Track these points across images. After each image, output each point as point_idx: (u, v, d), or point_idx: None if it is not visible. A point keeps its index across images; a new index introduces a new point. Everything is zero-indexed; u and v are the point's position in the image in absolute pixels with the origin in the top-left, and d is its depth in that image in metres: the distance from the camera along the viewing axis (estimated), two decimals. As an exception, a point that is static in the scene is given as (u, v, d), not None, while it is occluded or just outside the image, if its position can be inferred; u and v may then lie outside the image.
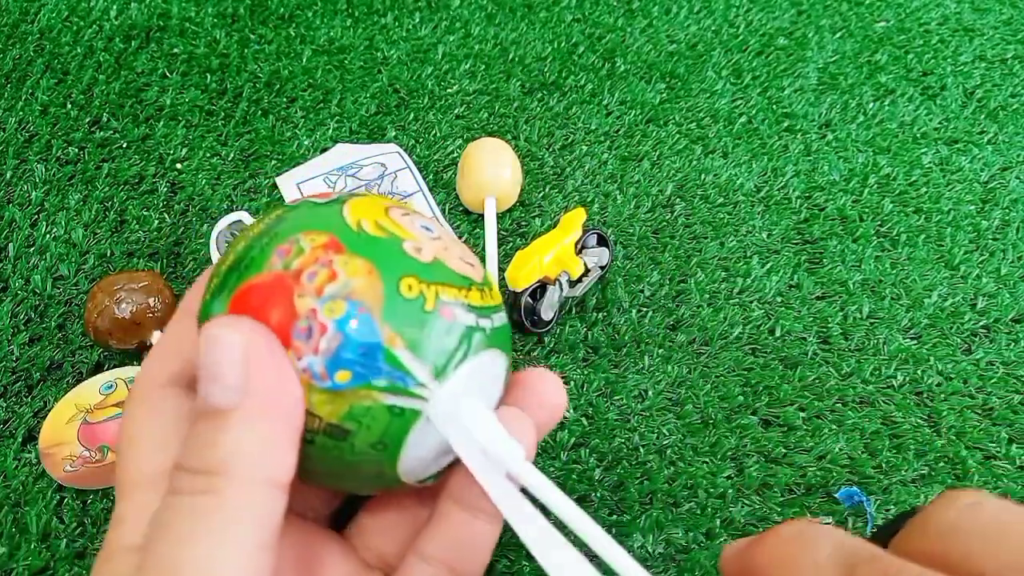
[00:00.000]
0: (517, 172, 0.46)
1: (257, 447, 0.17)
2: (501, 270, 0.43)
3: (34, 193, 0.47)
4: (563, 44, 0.57)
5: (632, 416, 0.39)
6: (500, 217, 0.46)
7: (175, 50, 0.55)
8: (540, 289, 0.40)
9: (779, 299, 0.43)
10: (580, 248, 0.43)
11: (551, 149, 0.50)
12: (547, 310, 0.40)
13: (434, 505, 0.23)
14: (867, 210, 0.48)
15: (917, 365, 0.41)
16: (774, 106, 0.54)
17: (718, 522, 0.35)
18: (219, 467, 0.17)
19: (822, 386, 0.40)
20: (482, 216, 0.45)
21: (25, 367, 0.39)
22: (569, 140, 0.51)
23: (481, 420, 0.20)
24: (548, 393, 0.22)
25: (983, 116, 0.54)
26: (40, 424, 0.37)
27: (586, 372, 0.40)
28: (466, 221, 0.47)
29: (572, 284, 0.42)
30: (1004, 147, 0.52)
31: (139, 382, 0.21)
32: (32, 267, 0.43)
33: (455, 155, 0.50)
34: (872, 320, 0.43)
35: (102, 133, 0.50)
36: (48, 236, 0.45)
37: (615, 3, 0.61)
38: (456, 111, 0.52)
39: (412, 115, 0.52)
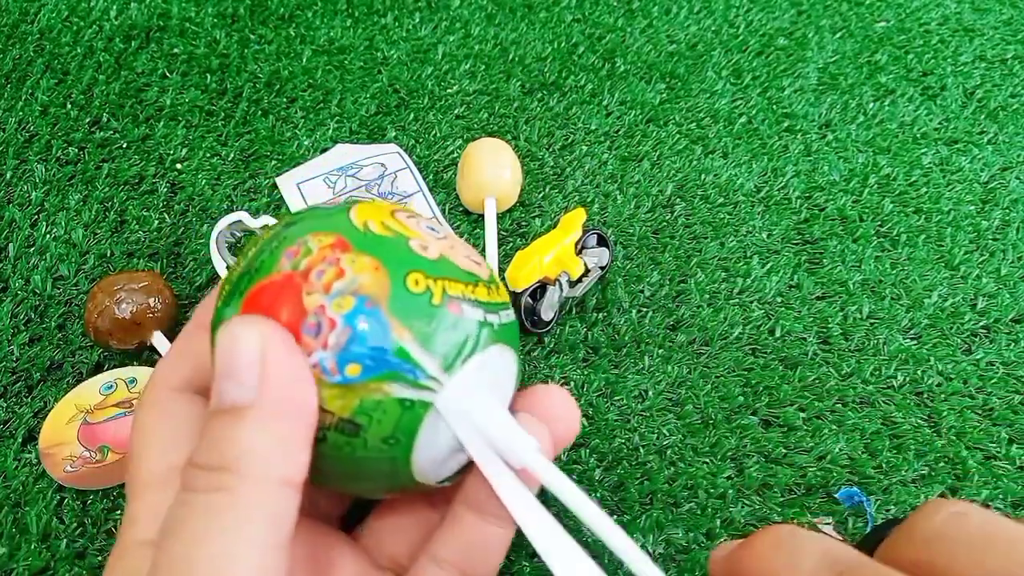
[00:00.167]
0: (517, 172, 0.46)
1: (271, 445, 0.17)
2: (501, 270, 0.43)
3: (34, 193, 0.47)
4: (563, 44, 0.57)
5: (632, 416, 0.39)
6: (500, 217, 0.46)
7: (175, 50, 0.55)
8: (540, 289, 0.40)
9: (779, 299, 0.43)
10: (580, 248, 0.43)
11: (551, 149, 0.50)
12: (547, 310, 0.40)
13: (445, 508, 0.23)
14: (867, 210, 0.48)
15: (917, 365, 0.41)
16: (774, 106, 0.54)
17: (718, 522, 0.35)
18: (233, 465, 0.17)
19: (822, 386, 0.40)
20: (482, 216, 0.45)
21: (25, 367, 0.39)
22: (569, 140, 0.51)
23: (492, 413, 0.20)
24: (557, 407, 0.22)
25: (983, 116, 0.54)
26: (40, 424, 0.37)
27: (586, 372, 0.40)
28: (466, 221, 0.47)
29: (572, 284, 0.42)
30: (1004, 147, 0.52)
31: (150, 387, 0.21)
32: (32, 267, 0.43)
33: (455, 155, 0.50)
34: (872, 320, 0.43)
35: (102, 133, 0.50)
36: (48, 236, 0.45)
37: (615, 3, 0.61)
38: (456, 111, 0.52)
39: (412, 115, 0.52)
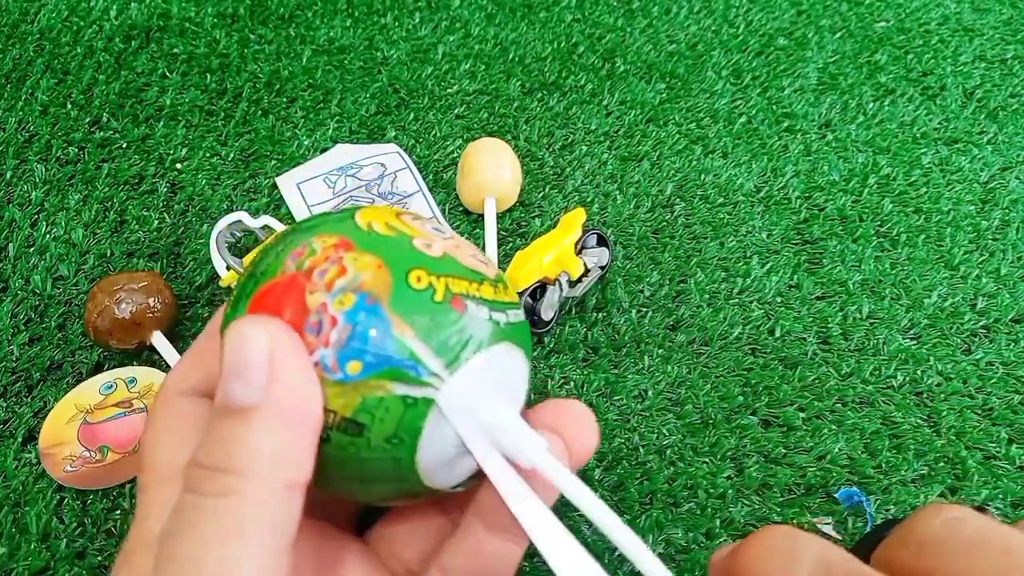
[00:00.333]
0: (517, 172, 0.46)
1: (277, 448, 0.17)
2: (501, 270, 0.43)
3: (34, 193, 0.47)
4: (563, 44, 0.57)
5: (632, 416, 0.39)
6: (500, 217, 0.46)
7: (175, 50, 0.55)
8: (540, 289, 0.40)
9: (779, 299, 0.43)
10: (580, 248, 0.43)
11: (551, 149, 0.51)
12: (547, 310, 0.40)
13: (457, 516, 0.22)
14: (867, 210, 0.48)
15: (917, 365, 0.41)
16: (774, 106, 0.54)
17: (718, 522, 0.35)
18: (238, 467, 0.17)
19: (822, 386, 0.40)
20: (482, 216, 0.45)
21: (25, 367, 0.39)
22: (569, 140, 0.51)
23: (498, 411, 0.19)
24: (574, 423, 0.21)
25: (983, 116, 0.54)
26: (40, 424, 0.37)
27: (586, 372, 0.40)
28: (466, 221, 0.47)
29: (572, 284, 0.42)
30: (1004, 147, 0.52)
31: (162, 390, 0.21)
32: (32, 267, 0.43)
33: (455, 155, 0.50)
34: (872, 320, 0.43)
35: (102, 133, 0.50)
36: (48, 236, 0.45)
37: (615, 3, 0.61)
38: (456, 111, 0.52)
39: (412, 115, 0.52)
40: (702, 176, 0.49)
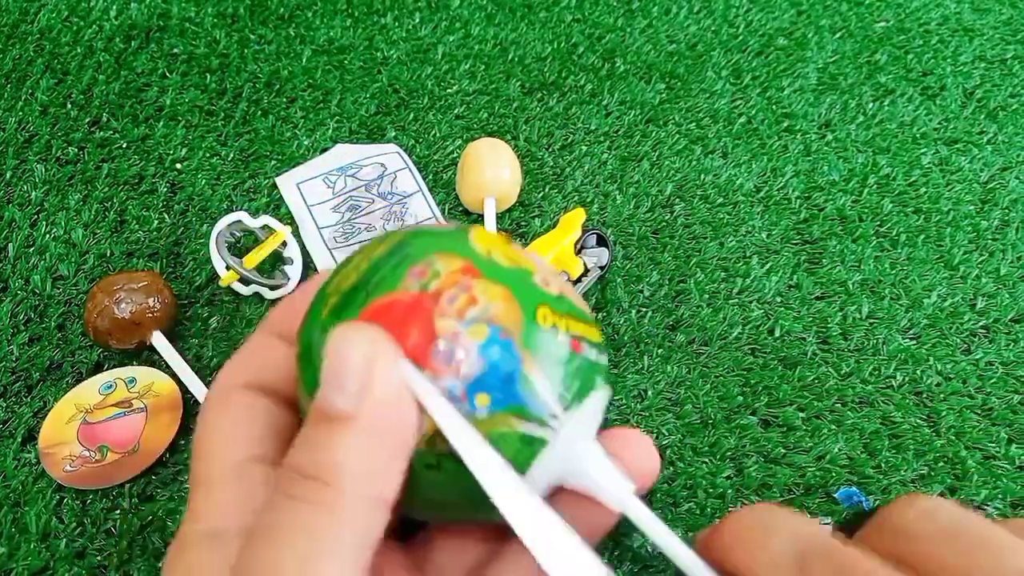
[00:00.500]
0: (517, 172, 0.46)
1: (368, 462, 0.17)
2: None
3: (34, 193, 0.47)
4: (563, 44, 0.57)
5: (631, 416, 0.39)
6: (500, 217, 0.46)
7: (175, 50, 0.55)
8: (539, 289, 0.40)
9: (778, 299, 0.43)
10: (579, 248, 0.43)
11: (551, 149, 0.51)
12: (546, 310, 0.40)
13: (504, 532, 0.22)
14: (867, 210, 0.48)
15: (916, 365, 0.41)
16: (774, 106, 0.54)
17: (717, 522, 0.35)
18: (330, 476, 0.17)
19: (821, 386, 0.40)
20: (482, 216, 0.45)
21: (25, 367, 0.40)
22: (569, 140, 0.51)
23: (596, 454, 0.20)
24: (638, 455, 0.21)
25: (983, 116, 0.54)
26: (40, 424, 0.37)
27: (585, 372, 0.40)
28: (466, 221, 0.47)
29: (572, 284, 0.42)
30: (1004, 147, 0.52)
31: (214, 387, 0.21)
32: (32, 267, 0.43)
33: (455, 155, 0.50)
34: (871, 320, 0.43)
35: (102, 133, 0.50)
36: (48, 236, 0.45)
37: (615, 3, 0.61)
38: (456, 111, 0.52)
39: (412, 115, 0.52)
40: (702, 176, 0.49)
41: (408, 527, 0.25)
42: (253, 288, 0.42)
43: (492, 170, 0.45)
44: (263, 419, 0.21)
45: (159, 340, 0.39)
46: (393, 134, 0.51)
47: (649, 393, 0.39)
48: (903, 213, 0.48)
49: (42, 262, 0.44)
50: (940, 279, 0.45)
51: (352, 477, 0.17)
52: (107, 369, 0.39)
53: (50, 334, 0.41)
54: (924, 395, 0.40)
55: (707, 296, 0.43)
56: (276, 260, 0.44)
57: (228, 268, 0.41)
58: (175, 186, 0.48)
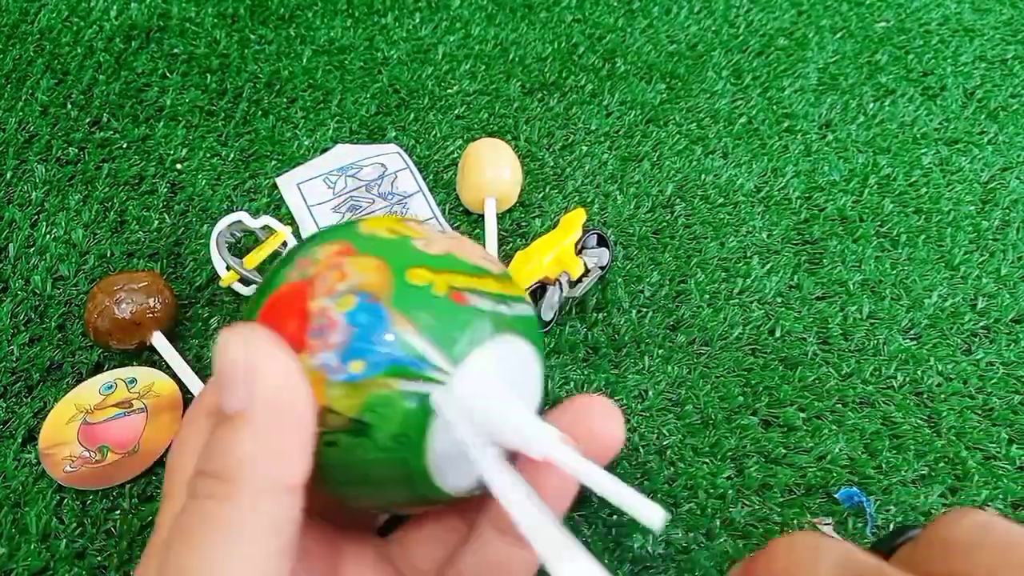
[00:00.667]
0: (517, 172, 0.46)
1: (266, 451, 0.18)
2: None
3: (34, 193, 0.47)
4: (563, 44, 0.57)
5: (632, 416, 0.39)
6: (500, 217, 0.46)
7: (175, 50, 0.55)
8: (540, 289, 0.40)
9: (779, 299, 0.43)
10: (580, 248, 0.43)
11: (551, 149, 0.50)
12: (547, 310, 0.40)
13: (475, 522, 0.22)
14: (867, 210, 0.48)
15: (917, 366, 0.41)
16: (774, 106, 0.54)
17: (718, 523, 0.35)
18: (230, 471, 0.17)
19: (822, 387, 0.40)
20: (482, 216, 0.45)
21: (25, 367, 0.39)
22: (569, 140, 0.51)
23: (506, 403, 0.19)
24: (600, 424, 0.21)
25: (983, 116, 0.54)
26: (40, 424, 0.37)
27: (586, 372, 0.40)
28: (466, 221, 0.47)
29: (572, 284, 0.42)
30: (1004, 147, 0.52)
31: (191, 409, 0.22)
32: (32, 267, 0.43)
33: (455, 155, 0.50)
34: (872, 320, 0.43)
35: (102, 133, 0.50)
36: (48, 236, 0.45)
37: (615, 3, 0.61)
38: (456, 111, 0.52)
39: (412, 115, 0.52)
40: (702, 176, 0.49)
41: (387, 529, 0.25)
42: (253, 288, 0.42)
43: (493, 170, 0.45)
44: None
45: (159, 340, 0.39)
46: (393, 134, 0.51)
47: (650, 393, 0.39)
48: (904, 213, 0.48)
49: (42, 262, 0.43)
50: (941, 279, 0.45)
51: (251, 468, 0.17)
52: (107, 369, 0.39)
53: (50, 334, 0.41)
54: (925, 395, 0.40)
55: (708, 296, 0.43)
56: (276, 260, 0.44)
57: (228, 268, 0.41)
58: (175, 186, 0.48)
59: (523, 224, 0.47)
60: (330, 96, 0.53)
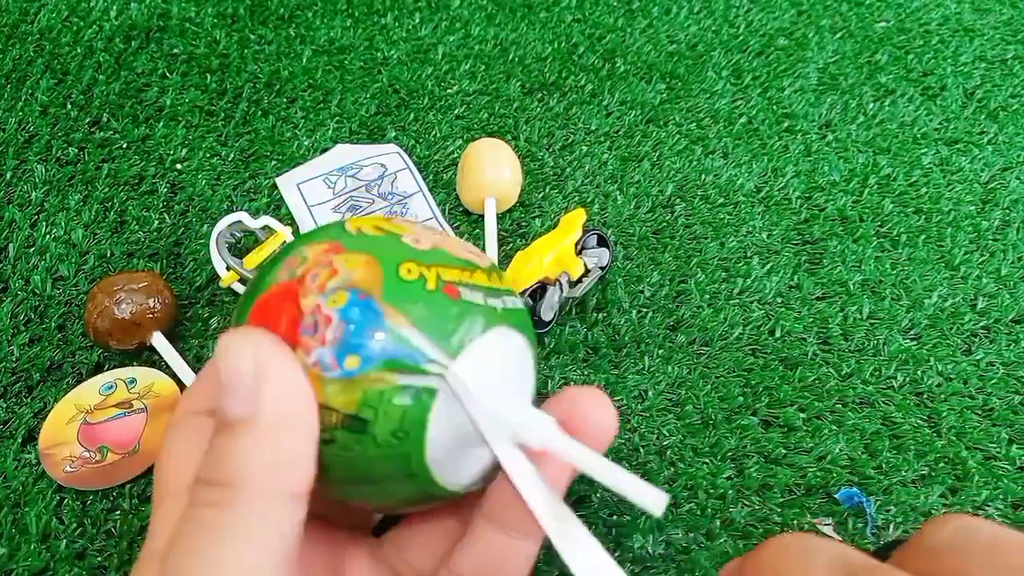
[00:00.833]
0: (517, 172, 0.46)
1: (272, 458, 0.17)
2: (496, 264, 0.43)
3: (34, 193, 0.47)
4: (563, 44, 0.57)
5: (632, 416, 0.39)
6: (500, 217, 0.46)
7: (175, 50, 0.55)
8: (540, 290, 0.40)
9: (779, 300, 0.43)
10: (580, 249, 0.43)
11: (551, 149, 0.50)
12: (547, 311, 0.40)
13: (470, 519, 0.22)
14: (867, 210, 0.48)
15: (917, 366, 0.41)
16: (774, 106, 0.54)
17: (718, 523, 0.35)
18: (234, 479, 0.17)
19: (822, 387, 0.40)
20: (482, 216, 0.45)
21: (25, 368, 0.39)
22: (569, 140, 0.51)
23: (502, 394, 0.19)
24: (593, 414, 0.21)
25: (983, 116, 0.54)
26: (40, 425, 0.37)
27: (586, 372, 0.40)
28: (466, 221, 0.47)
29: (572, 285, 0.42)
30: (1004, 147, 0.52)
31: (177, 410, 0.22)
32: (32, 267, 0.43)
33: (455, 155, 0.50)
34: (872, 321, 0.43)
35: (102, 133, 0.50)
36: (48, 236, 0.45)
37: (615, 3, 0.61)
38: (456, 111, 0.52)
39: (412, 115, 0.52)
40: (702, 176, 0.49)
41: (382, 529, 0.25)
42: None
43: (492, 170, 0.45)
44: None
45: (159, 341, 0.39)
46: (393, 134, 0.51)
47: (650, 393, 0.39)
48: (904, 213, 0.48)
49: (42, 262, 0.43)
50: (941, 279, 0.45)
51: (255, 475, 0.17)
52: (107, 369, 0.39)
53: (50, 334, 0.41)
54: (925, 396, 0.40)
55: (708, 296, 0.43)
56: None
57: (228, 269, 0.41)
58: (175, 186, 0.48)
59: (523, 224, 0.47)
60: (330, 96, 0.53)
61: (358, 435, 0.18)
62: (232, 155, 0.49)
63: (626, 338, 0.41)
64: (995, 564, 0.16)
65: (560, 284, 0.41)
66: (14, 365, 0.40)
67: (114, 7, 0.58)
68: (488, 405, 0.19)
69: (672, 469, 0.37)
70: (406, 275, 0.19)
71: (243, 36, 0.56)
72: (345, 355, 0.18)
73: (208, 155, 0.49)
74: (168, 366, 0.39)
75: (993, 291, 0.44)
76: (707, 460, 0.37)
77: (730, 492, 0.36)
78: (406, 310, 0.19)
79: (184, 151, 0.49)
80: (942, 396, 0.40)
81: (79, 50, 0.55)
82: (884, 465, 0.37)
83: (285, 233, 0.43)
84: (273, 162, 0.49)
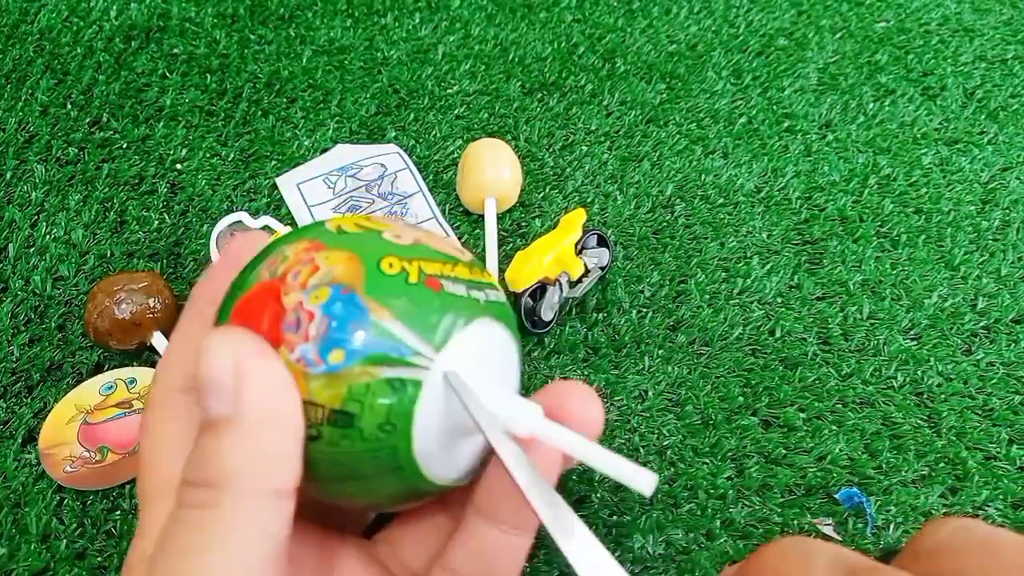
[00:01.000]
0: (517, 172, 0.46)
1: (256, 457, 0.17)
2: (501, 271, 0.43)
3: (34, 193, 0.47)
4: (563, 44, 0.57)
5: (632, 417, 0.39)
6: (500, 218, 0.46)
7: (175, 50, 0.55)
8: (540, 290, 0.40)
9: (779, 300, 0.43)
10: (580, 249, 0.43)
11: (551, 149, 0.50)
12: (547, 311, 0.40)
13: (461, 516, 0.22)
14: (867, 210, 0.48)
15: (917, 366, 0.41)
16: (774, 106, 0.54)
17: (718, 523, 0.35)
18: (219, 479, 0.17)
19: (822, 387, 0.40)
20: (482, 216, 0.45)
21: (25, 368, 0.39)
22: (569, 140, 0.51)
23: (488, 384, 0.19)
24: (579, 407, 0.21)
25: (983, 116, 0.54)
26: (40, 425, 0.37)
27: (586, 373, 0.40)
28: (466, 221, 0.47)
29: (572, 285, 0.42)
30: (1004, 147, 0.52)
31: (154, 389, 0.21)
32: (32, 268, 0.43)
33: (455, 155, 0.50)
34: (872, 321, 0.43)
35: (102, 133, 0.50)
36: (48, 237, 0.45)
37: (615, 3, 0.61)
38: (456, 111, 0.52)
39: (412, 115, 0.52)
40: (702, 176, 0.49)
41: (373, 529, 0.25)
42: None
43: (492, 170, 0.45)
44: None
45: (160, 341, 0.39)
46: (393, 134, 0.51)
47: (650, 394, 0.39)
48: (904, 213, 0.48)
49: (42, 262, 0.43)
50: (941, 279, 0.45)
51: (241, 475, 0.17)
52: (107, 370, 0.39)
53: (50, 335, 0.41)
54: (925, 396, 0.40)
55: (708, 296, 0.43)
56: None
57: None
58: (175, 186, 0.48)
59: (523, 224, 0.47)
60: (330, 96, 0.53)
61: (344, 430, 0.18)
62: (232, 155, 0.49)
63: (626, 338, 0.41)
64: (992, 564, 0.16)
65: (560, 284, 0.41)
66: (14, 365, 0.40)
67: (114, 7, 0.58)
68: (475, 395, 0.19)
69: (672, 469, 0.37)
70: (388, 269, 0.19)
71: (243, 36, 0.56)
72: (329, 350, 0.18)
73: (208, 155, 0.49)
74: (168, 366, 0.39)
75: (993, 291, 0.44)
76: (707, 460, 0.37)
77: (730, 492, 0.36)
78: (389, 304, 0.19)
79: (184, 151, 0.49)
80: (942, 396, 0.40)
81: (79, 50, 0.55)
82: (884, 465, 0.37)
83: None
84: (273, 162, 0.49)
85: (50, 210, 0.46)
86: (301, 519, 0.19)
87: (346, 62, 0.55)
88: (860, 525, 0.35)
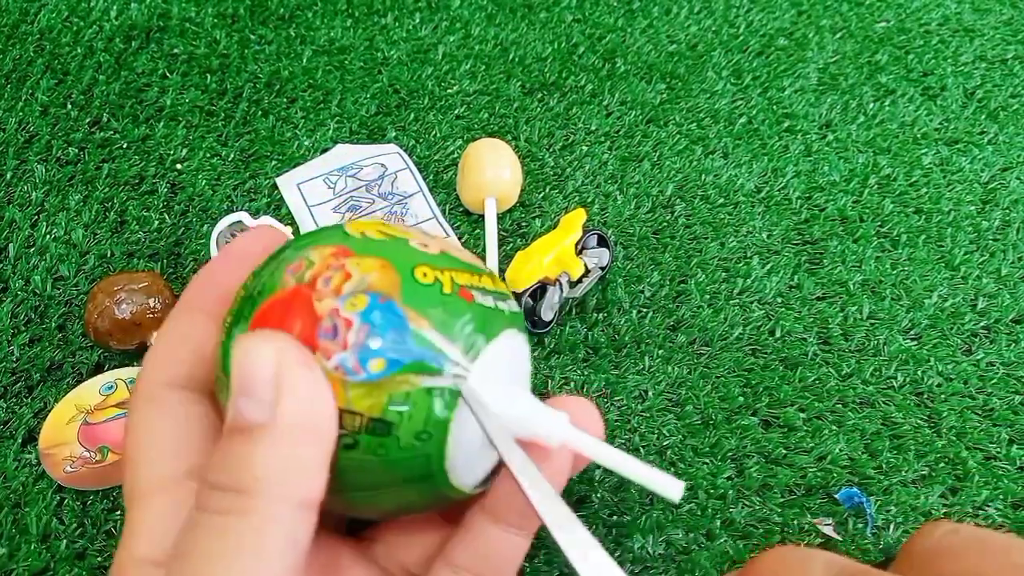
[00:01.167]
0: (517, 172, 0.46)
1: (288, 466, 0.17)
2: (501, 271, 0.43)
3: (34, 193, 0.47)
4: (563, 44, 0.57)
5: (632, 417, 0.39)
6: (500, 218, 0.46)
7: (175, 50, 0.55)
8: (540, 290, 0.40)
9: (779, 300, 0.43)
10: (580, 249, 0.43)
11: (551, 149, 0.50)
12: (547, 311, 0.40)
13: (454, 518, 0.22)
14: (867, 211, 0.48)
15: (917, 366, 0.41)
16: (774, 106, 0.54)
17: (718, 523, 0.35)
18: (250, 486, 0.17)
19: (822, 387, 0.40)
20: (482, 216, 0.45)
21: (25, 368, 0.39)
22: (569, 140, 0.51)
23: (519, 395, 0.20)
24: (581, 420, 0.21)
25: (983, 116, 0.54)
26: (40, 425, 0.37)
27: (586, 373, 0.40)
28: (466, 221, 0.47)
29: (572, 285, 0.42)
30: (1004, 147, 0.52)
31: (141, 384, 0.20)
32: (32, 267, 0.43)
33: (455, 155, 0.50)
34: (872, 321, 0.43)
35: (102, 133, 0.50)
36: (48, 236, 0.45)
37: (615, 3, 0.61)
38: (456, 111, 0.52)
39: (412, 115, 0.52)
40: (702, 176, 0.49)
41: (352, 524, 0.25)
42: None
43: (493, 170, 0.45)
44: (197, 425, 0.20)
45: (159, 341, 0.39)
46: (393, 134, 0.51)
47: (650, 394, 0.39)
48: (904, 213, 0.48)
49: (42, 262, 0.43)
50: (941, 279, 0.45)
51: (272, 484, 0.17)
52: (108, 370, 0.39)
53: (50, 335, 0.41)
54: (925, 396, 0.40)
55: (708, 296, 0.43)
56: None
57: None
58: (175, 186, 0.48)
59: (523, 224, 0.47)
60: (330, 96, 0.53)
61: (382, 438, 0.18)
62: (232, 155, 0.49)
63: (626, 338, 0.41)
64: (986, 563, 0.16)
65: (560, 284, 0.41)
66: (14, 365, 0.40)
67: (114, 7, 0.58)
68: (509, 405, 0.19)
69: (672, 469, 0.37)
70: (422, 279, 0.19)
71: (243, 36, 0.56)
72: (369, 358, 0.18)
73: (208, 155, 0.49)
74: (168, 366, 0.39)
75: (993, 291, 0.44)
76: (707, 460, 0.37)
77: (730, 492, 0.36)
78: (426, 313, 0.19)
79: (184, 151, 0.49)
80: (942, 396, 0.40)
81: (79, 50, 0.55)
82: (884, 465, 0.37)
83: (286, 233, 0.43)
84: (273, 162, 0.49)
85: (50, 210, 0.46)
86: None
87: (346, 62, 0.55)
88: (860, 525, 0.35)
